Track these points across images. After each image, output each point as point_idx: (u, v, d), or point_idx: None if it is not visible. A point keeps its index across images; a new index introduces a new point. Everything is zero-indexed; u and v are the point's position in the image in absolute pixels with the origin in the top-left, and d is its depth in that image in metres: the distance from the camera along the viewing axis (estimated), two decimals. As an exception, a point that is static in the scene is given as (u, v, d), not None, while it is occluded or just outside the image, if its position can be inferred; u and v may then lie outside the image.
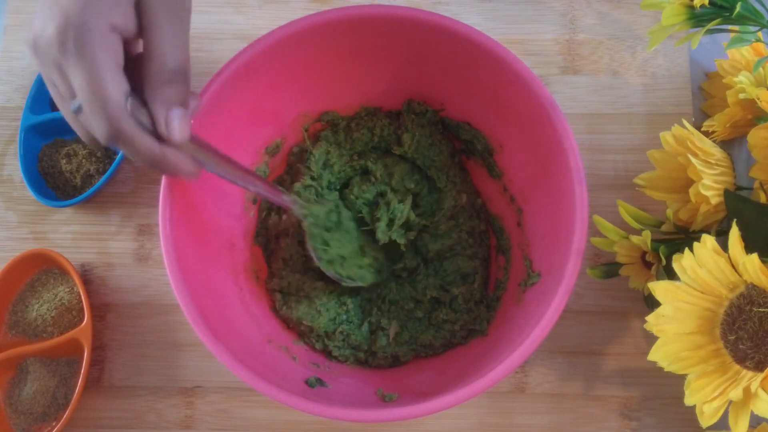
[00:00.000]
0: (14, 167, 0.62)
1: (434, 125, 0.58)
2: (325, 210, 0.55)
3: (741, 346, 0.46)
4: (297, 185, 0.57)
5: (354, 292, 0.56)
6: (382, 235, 0.56)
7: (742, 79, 0.52)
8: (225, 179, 0.47)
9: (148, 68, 0.38)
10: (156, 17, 0.38)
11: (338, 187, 0.59)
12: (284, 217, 0.57)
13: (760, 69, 0.52)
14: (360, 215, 0.58)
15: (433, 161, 0.58)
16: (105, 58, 0.36)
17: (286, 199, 0.52)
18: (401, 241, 0.56)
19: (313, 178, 0.57)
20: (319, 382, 0.51)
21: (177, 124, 0.39)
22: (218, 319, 0.48)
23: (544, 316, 0.44)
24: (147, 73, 0.39)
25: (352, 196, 0.58)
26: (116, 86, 0.37)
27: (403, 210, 0.56)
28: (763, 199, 0.50)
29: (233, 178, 0.47)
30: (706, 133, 0.56)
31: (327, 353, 0.55)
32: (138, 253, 0.60)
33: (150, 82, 0.39)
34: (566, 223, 0.47)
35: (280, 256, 0.56)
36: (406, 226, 0.57)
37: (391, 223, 0.56)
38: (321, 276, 0.56)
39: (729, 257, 0.46)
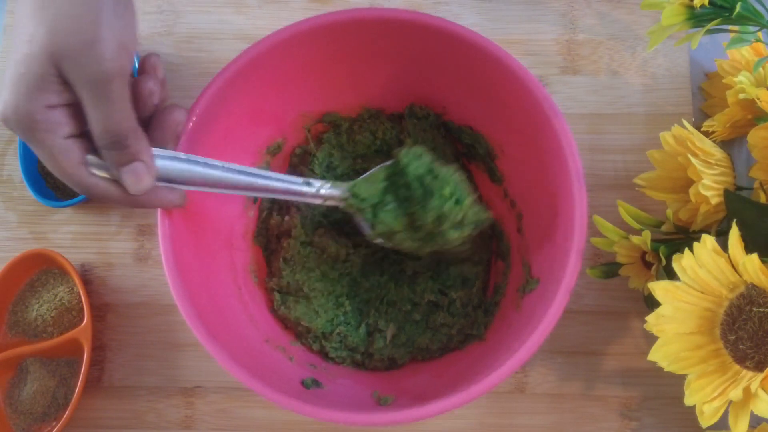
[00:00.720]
0: (14, 167, 0.62)
1: (436, 129, 0.58)
2: (374, 185, 0.52)
3: (741, 346, 0.46)
4: None
5: (352, 292, 0.56)
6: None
7: (742, 79, 0.52)
8: (228, 192, 0.47)
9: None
10: (77, 91, 0.39)
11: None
12: (286, 218, 0.57)
13: (760, 69, 0.52)
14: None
15: None
16: (49, 137, 0.39)
17: (311, 190, 0.49)
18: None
19: None
20: (315, 383, 0.51)
21: (128, 181, 0.42)
22: (216, 318, 0.48)
23: (542, 322, 0.44)
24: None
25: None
26: (68, 156, 0.40)
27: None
28: (763, 199, 0.50)
29: (237, 190, 0.47)
30: (706, 133, 0.56)
31: (324, 354, 0.55)
32: (138, 253, 0.60)
33: (97, 146, 0.41)
34: (566, 223, 0.47)
35: (282, 256, 0.56)
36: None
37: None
38: (323, 276, 0.56)
39: (729, 257, 0.46)
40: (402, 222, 0.51)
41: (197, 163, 0.45)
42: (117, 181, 0.42)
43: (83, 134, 0.41)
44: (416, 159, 0.51)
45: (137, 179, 0.42)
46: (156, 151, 0.43)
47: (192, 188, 0.45)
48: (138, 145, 0.41)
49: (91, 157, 0.41)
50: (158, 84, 0.43)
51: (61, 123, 0.40)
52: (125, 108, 0.41)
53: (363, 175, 0.52)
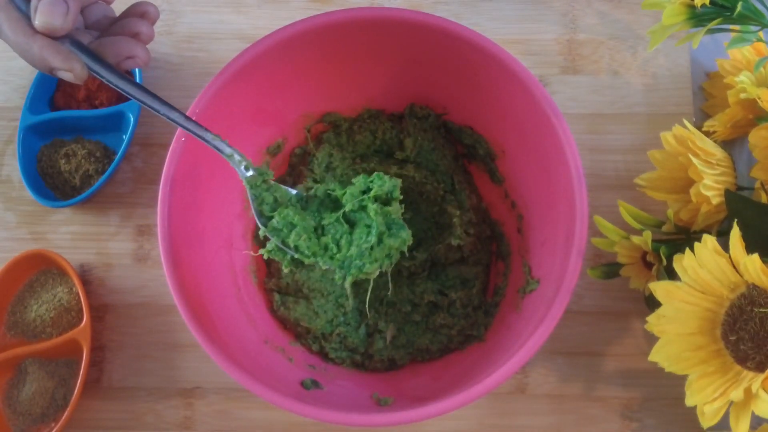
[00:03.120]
0: (13, 167, 0.62)
1: (437, 129, 0.58)
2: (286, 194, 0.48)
3: (742, 347, 0.45)
4: (299, 187, 0.56)
5: (352, 293, 0.56)
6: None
7: (743, 78, 0.52)
8: (118, 89, 0.45)
9: None
10: None
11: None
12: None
13: (761, 69, 0.52)
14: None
15: (437, 165, 0.57)
16: None
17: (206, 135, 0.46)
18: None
19: (315, 181, 0.57)
20: (315, 384, 0.51)
21: (42, 10, 0.40)
22: (215, 319, 0.48)
23: (542, 323, 0.44)
24: None
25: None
26: None
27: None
28: (764, 199, 0.50)
29: (126, 92, 0.45)
30: (707, 133, 0.56)
31: (323, 355, 0.55)
32: (137, 253, 0.60)
33: None
34: (566, 223, 0.47)
35: (275, 260, 0.56)
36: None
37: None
38: (322, 276, 0.56)
39: (730, 257, 0.45)
40: (306, 223, 0.47)
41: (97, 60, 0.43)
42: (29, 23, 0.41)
43: None
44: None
45: (51, 12, 0.40)
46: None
47: (94, 74, 0.44)
48: None
49: None
50: (150, 30, 0.45)
51: None
52: None
53: (291, 190, 0.48)
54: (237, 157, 0.47)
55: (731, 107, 0.54)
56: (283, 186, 0.49)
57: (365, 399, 0.51)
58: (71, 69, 0.43)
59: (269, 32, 0.50)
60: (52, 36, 0.42)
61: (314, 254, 0.47)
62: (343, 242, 0.47)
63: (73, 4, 0.41)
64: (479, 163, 0.58)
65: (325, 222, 0.48)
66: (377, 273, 0.47)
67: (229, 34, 0.64)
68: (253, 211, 0.48)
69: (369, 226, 0.47)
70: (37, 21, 0.41)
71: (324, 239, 0.47)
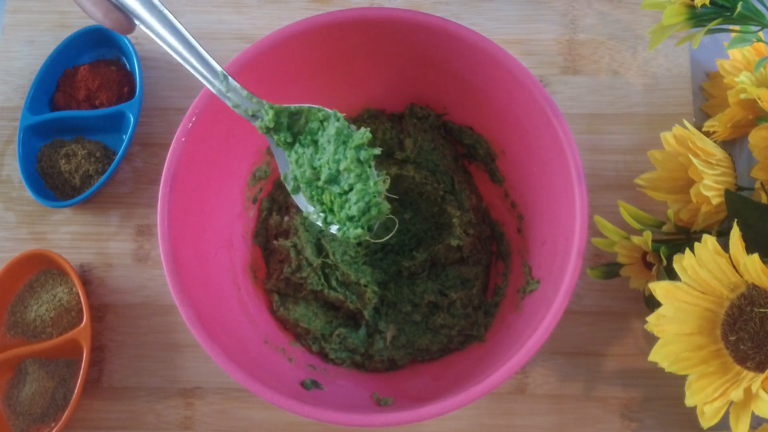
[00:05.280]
0: (13, 167, 0.62)
1: (436, 129, 0.58)
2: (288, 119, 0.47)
3: (742, 347, 0.45)
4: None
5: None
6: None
7: (743, 79, 0.51)
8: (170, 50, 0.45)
9: None
10: None
11: None
12: (285, 218, 0.57)
13: (761, 69, 0.52)
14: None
15: (437, 165, 0.57)
16: None
17: (220, 86, 0.46)
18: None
19: None
20: (315, 384, 0.51)
21: None
22: (215, 319, 0.48)
23: (542, 323, 0.44)
24: None
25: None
26: None
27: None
28: (764, 199, 0.50)
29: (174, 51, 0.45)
30: (707, 134, 0.56)
31: (323, 355, 0.55)
32: (137, 253, 0.60)
33: None
34: (567, 224, 0.47)
35: (278, 258, 0.56)
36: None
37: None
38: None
39: (730, 257, 0.45)
40: (304, 173, 0.47)
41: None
42: None
43: None
44: (334, 120, 0.47)
45: None
46: None
47: (135, 19, 0.44)
48: None
49: None
50: None
51: None
52: None
53: (292, 105, 0.47)
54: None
55: (731, 107, 0.54)
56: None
57: (365, 399, 0.51)
58: (114, 20, 0.44)
59: (269, 32, 0.50)
60: None
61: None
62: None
63: None
64: (479, 163, 0.58)
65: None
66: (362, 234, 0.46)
67: (229, 34, 0.64)
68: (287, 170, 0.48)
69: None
70: None
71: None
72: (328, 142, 0.47)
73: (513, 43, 0.64)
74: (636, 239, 0.52)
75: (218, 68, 0.46)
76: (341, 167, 0.46)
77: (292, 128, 0.48)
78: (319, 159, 0.47)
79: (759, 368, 0.45)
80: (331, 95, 0.56)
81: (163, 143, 0.61)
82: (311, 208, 0.48)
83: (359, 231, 0.46)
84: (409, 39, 0.51)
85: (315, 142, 0.47)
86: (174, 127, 0.49)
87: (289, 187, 0.49)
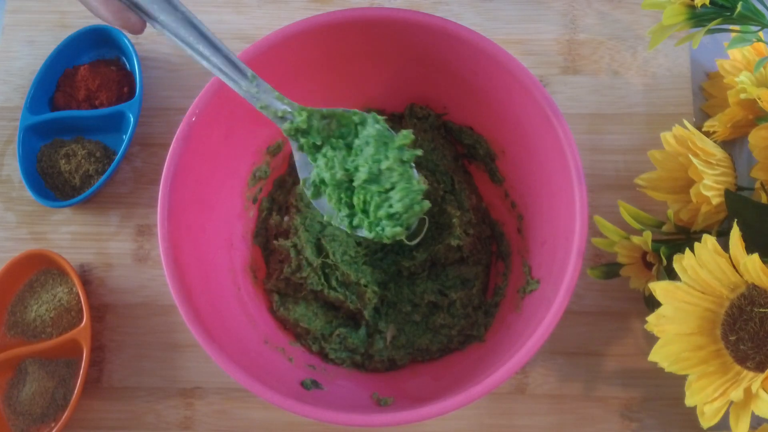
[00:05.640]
0: (13, 167, 0.62)
1: (437, 129, 0.58)
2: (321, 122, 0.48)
3: (742, 347, 0.45)
4: (299, 186, 0.56)
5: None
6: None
7: (743, 79, 0.51)
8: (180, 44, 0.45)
9: None
10: None
11: None
12: (285, 218, 0.57)
13: (761, 69, 0.52)
14: None
15: (437, 165, 0.57)
16: None
17: (251, 87, 0.46)
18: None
19: None
20: (315, 384, 0.51)
21: None
22: (215, 319, 0.48)
23: (542, 323, 0.44)
24: None
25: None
26: None
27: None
28: (764, 199, 0.50)
29: (183, 44, 0.44)
30: (707, 134, 0.56)
31: (323, 355, 0.55)
32: (137, 253, 0.60)
33: None
34: (567, 224, 0.47)
35: (278, 258, 0.56)
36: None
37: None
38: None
39: (730, 257, 0.45)
40: (335, 175, 0.47)
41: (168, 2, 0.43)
42: None
43: None
44: (373, 122, 0.48)
45: None
46: None
47: (151, 22, 0.44)
48: None
49: None
50: None
51: None
52: None
53: (324, 108, 0.48)
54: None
55: (731, 107, 0.54)
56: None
57: (365, 399, 0.51)
58: (125, 20, 0.43)
59: (269, 32, 0.50)
60: None
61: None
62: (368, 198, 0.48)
63: None
64: (479, 163, 0.58)
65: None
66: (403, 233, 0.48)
67: (229, 34, 0.64)
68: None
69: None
70: None
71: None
72: (367, 143, 0.48)
73: (513, 43, 0.64)
74: (636, 239, 0.52)
75: (248, 70, 0.46)
76: (383, 167, 0.47)
77: (321, 131, 0.48)
78: (353, 161, 0.48)
79: (759, 368, 0.45)
80: (331, 95, 0.56)
81: (163, 143, 0.61)
82: (334, 212, 0.49)
83: (398, 229, 0.47)
84: (409, 39, 0.51)
85: (347, 145, 0.48)
86: (174, 127, 0.49)
87: (309, 192, 0.49)
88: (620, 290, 0.58)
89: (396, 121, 0.59)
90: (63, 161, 0.60)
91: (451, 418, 0.55)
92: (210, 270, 0.51)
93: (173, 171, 0.48)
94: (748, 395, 0.43)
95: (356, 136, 0.48)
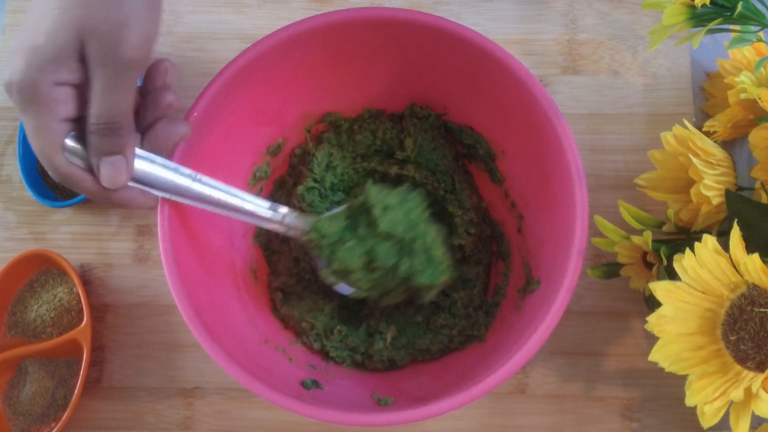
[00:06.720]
0: (13, 167, 0.62)
1: (437, 129, 0.58)
2: (337, 223, 0.51)
3: (742, 347, 0.45)
4: (300, 188, 0.56)
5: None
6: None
7: (744, 79, 0.51)
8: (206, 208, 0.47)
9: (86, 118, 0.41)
10: (92, 70, 0.39)
11: (342, 188, 0.59)
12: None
13: (762, 69, 0.52)
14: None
15: (437, 165, 0.57)
16: (45, 112, 0.39)
17: (276, 216, 0.49)
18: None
19: (316, 180, 0.57)
20: (315, 384, 0.51)
21: (105, 173, 0.42)
22: (216, 319, 0.48)
23: (543, 323, 0.44)
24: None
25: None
26: (54, 137, 0.40)
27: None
28: (764, 199, 0.50)
29: (204, 204, 0.47)
30: (707, 134, 0.56)
31: (324, 354, 0.55)
32: (137, 253, 0.60)
33: (86, 131, 0.41)
34: (567, 224, 0.47)
35: (284, 259, 0.56)
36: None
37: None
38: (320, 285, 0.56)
39: (730, 257, 0.45)
40: (359, 260, 0.50)
41: (168, 168, 0.44)
42: (92, 173, 0.42)
43: (75, 120, 0.41)
44: (393, 208, 0.50)
45: (115, 173, 0.42)
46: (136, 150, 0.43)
47: (161, 194, 0.45)
48: (127, 139, 0.41)
49: (69, 143, 0.41)
50: (177, 97, 0.44)
51: (63, 102, 0.40)
52: (131, 99, 0.41)
53: (330, 212, 0.51)
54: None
55: (731, 107, 0.54)
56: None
57: (365, 399, 0.51)
58: (151, 204, 0.46)
59: (269, 32, 0.50)
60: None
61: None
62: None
63: (129, 155, 0.42)
64: (479, 163, 0.58)
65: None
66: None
67: (229, 34, 0.64)
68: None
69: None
70: (105, 182, 0.42)
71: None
72: (384, 210, 0.50)
73: (513, 43, 0.64)
74: (636, 239, 0.52)
75: (267, 212, 0.49)
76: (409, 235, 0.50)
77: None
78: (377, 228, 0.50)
79: (759, 368, 0.45)
80: (331, 95, 0.56)
81: (163, 143, 0.61)
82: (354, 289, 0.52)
83: (445, 276, 0.51)
84: (409, 39, 0.51)
85: (371, 223, 0.50)
86: (174, 126, 0.49)
87: (330, 281, 0.51)
88: (620, 290, 0.58)
89: (396, 120, 0.59)
90: (63, 161, 0.60)
91: (452, 418, 0.55)
92: (210, 270, 0.51)
93: (173, 171, 0.48)
94: (749, 395, 0.43)
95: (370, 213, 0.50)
